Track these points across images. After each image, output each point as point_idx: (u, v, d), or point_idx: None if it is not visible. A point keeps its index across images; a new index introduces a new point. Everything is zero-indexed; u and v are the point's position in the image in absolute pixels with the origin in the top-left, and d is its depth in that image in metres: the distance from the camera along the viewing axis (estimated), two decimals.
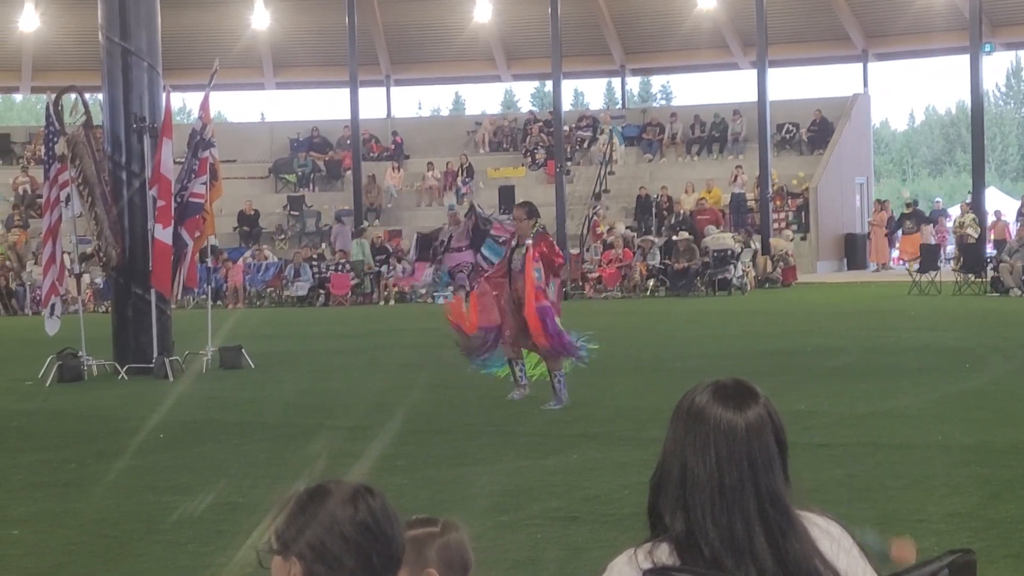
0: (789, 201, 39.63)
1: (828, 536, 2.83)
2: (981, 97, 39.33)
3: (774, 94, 40.18)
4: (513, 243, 13.85)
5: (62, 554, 7.88)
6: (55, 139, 18.25)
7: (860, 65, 44.54)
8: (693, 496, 2.74)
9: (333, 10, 42.16)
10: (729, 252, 34.39)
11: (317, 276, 35.95)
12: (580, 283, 34.94)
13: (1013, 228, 35.77)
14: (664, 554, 2.75)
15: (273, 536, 2.76)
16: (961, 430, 11.33)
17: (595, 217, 38.28)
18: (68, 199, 18.05)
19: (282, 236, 41.08)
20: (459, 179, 42.81)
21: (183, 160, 18.89)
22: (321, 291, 35.63)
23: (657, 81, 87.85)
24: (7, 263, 35.33)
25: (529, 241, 13.36)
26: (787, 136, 42.17)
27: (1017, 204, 39.24)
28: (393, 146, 45.14)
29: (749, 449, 2.75)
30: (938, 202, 49.54)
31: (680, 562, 2.73)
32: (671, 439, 2.82)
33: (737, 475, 2.73)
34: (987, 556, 7.10)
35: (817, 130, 41.88)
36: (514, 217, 14.08)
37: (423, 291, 26.34)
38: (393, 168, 43.73)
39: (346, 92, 41.85)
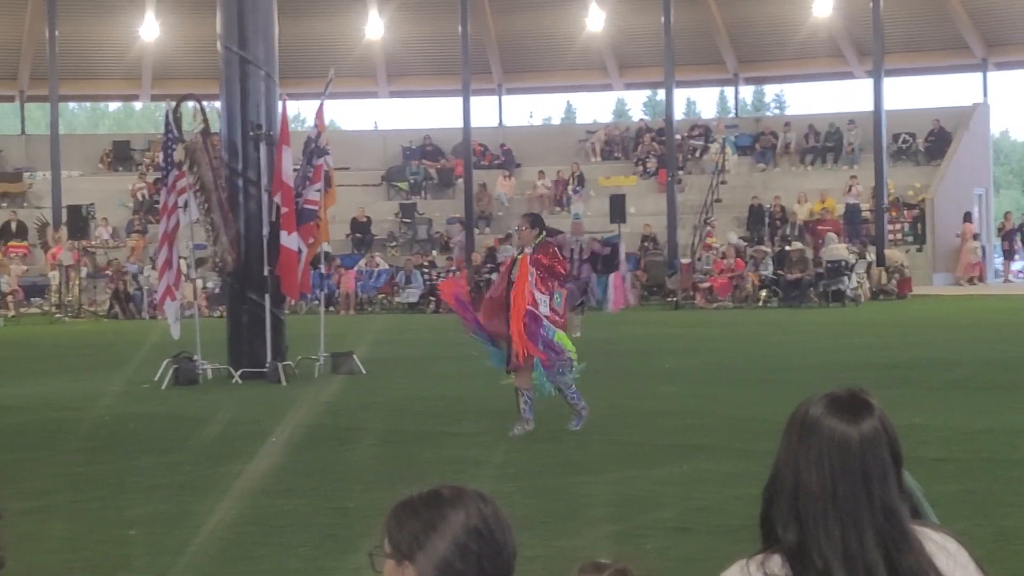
0: (905, 212, 39.12)
1: (944, 551, 2.79)
2: None
3: (890, 103, 39.67)
4: (516, 253, 13.43)
5: (178, 555, 7.99)
6: (173, 146, 18.54)
7: (979, 74, 43.84)
8: (806, 508, 2.72)
9: (446, 19, 42.38)
10: (843, 263, 34.01)
11: (428, 283, 36.13)
12: (691, 293, 34.76)
13: None
14: (776, 565, 2.73)
15: (386, 540, 2.78)
16: None
17: (707, 227, 38.10)
18: (185, 205, 18.33)
19: (394, 243, 41.36)
20: (569, 188, 42.81)
21: (298, 168, 19.11)
22: (432, 298, 35.80)
23: (770, 90, 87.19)
24: (123, 267, 35.96)
25: (528, 249, 12.89)
26: (903, 146, 41.63)
27: None
28: (503, 155, 45.26)
29: (863, 461, 2.72)
30: None
31: (792, 573, 2.71)
32: (784, 450, 2.80)
33: (851, 487, 2.71)
34: None
35: (934, 140, 41.30)
36: (518, 227, 13.72)
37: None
38: (504, 176, 43.83)
39: (458, 101, 42.04)
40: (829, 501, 2.71)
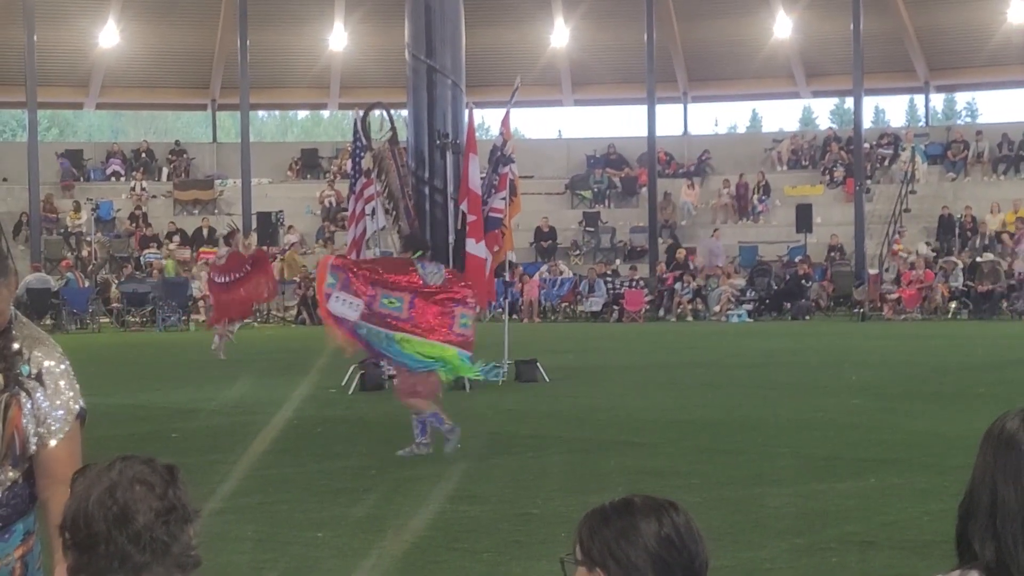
0: None
1: None
2: None
3: None
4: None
5: (364, 558, 8.12)
6: (362, 154, 18.84)
7: None
8: (1004, 524, 2.68)
9: (632, 27, 42.38)
10: None
11: (611, 292, 36.15)
12: (879, 304, 34.20)
13: None
14: None
15: (577, 547, 2.81)
16: None
17: (896, 236, 37.46)
18: (373, 212, 18.59)
19: (577, 252, 41.47)
20: (755, 197, 42.45)
21: (484, 176, 19.28)
22: (615, 307, 35.82)
23: (962, 98, 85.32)
24: (311, 274, 36.66)
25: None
26: None
27: None
28: (697, 161, 45.08)
29: None
30: None
31: None
32: (981, 465, 2.77)
33: None
34: None
35: None
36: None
37: None
38: (688, 185, 43.64)
39: (643, 109, 41.99)
40: None
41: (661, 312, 36.07)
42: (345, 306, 12.36)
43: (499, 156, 18.95)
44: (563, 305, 36.75)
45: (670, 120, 48.86)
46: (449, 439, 12.16)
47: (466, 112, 19.44)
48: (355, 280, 12.46)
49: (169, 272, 38.54)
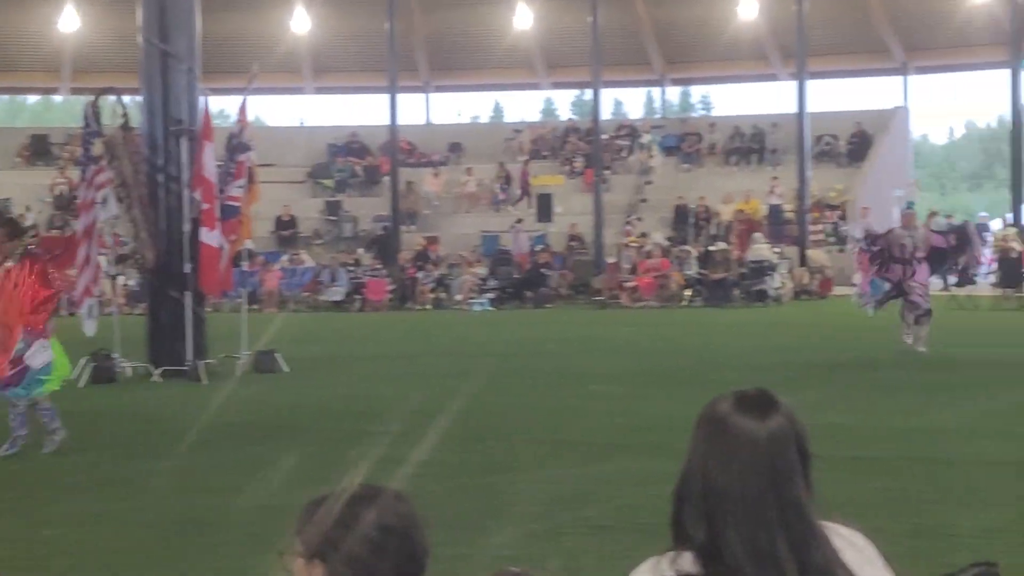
0: (827, 213, 39.46)
1: (852, 547, 2.80)
2: (1020, 111, 39.07)
3: (813, 106, 40.05)
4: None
5: (96, 554, 7.88)
6: (93, 140, 18.32)
7: (900, 78, 44.34)
8: (715, 506, 2.72)
9: (374, 15, 42.24)
10: (766, 263, 34.26)
11: (353, 281, 36.00)
12: (617, 292, 34.88)
13: None
14: (687, 563, 2.72)
15: (296, 537, 2.74)
16: (999, 445, 11.25)
17: (627, 227, 38.21)
18: (104, 200, 18.08)
19: (319, 241, 41.18)
20: (496, 186, 42.85)
21: (221, 164, 18.93)
22: (357, 296, 35.68)
23: (697, 91, 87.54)
24: None
25: (11, 262, 11.91)
26: (826, 148, 42.01)
27: None
28: (449, 150, 45.32)
29: (771, 459, 2.72)
30: (984, 216, 49.20)
31: (703, 571, 2.70)
32: (693, 449, 2.81)
33: (758, 485, 2.71)
34: (1019, 571, 7.03)
35: (856, 143, 41.71)
36: None
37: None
38: (432, 174, 43.77)
39: (385, 98, 41.91)
40: (737, 499, 2.70)
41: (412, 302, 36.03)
42: None
43: (236, 144, 18.66)
44: (304, 295, 36.42)
45: (413, 109, 48.97)
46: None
47: (202, 99, 19.05)
48: None
49: None
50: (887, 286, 20.12)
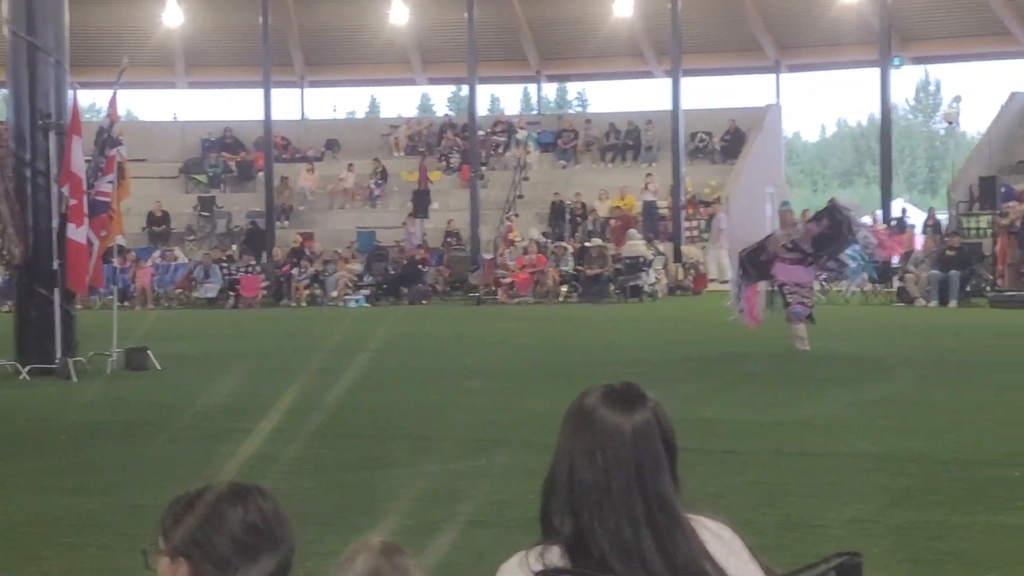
0: (701, 210, 39.88)
1: (718, 539, 2.83)
2: (889, 110, 39.88)
3: (687, 103, 40.53)
4: None
5: None
6: None
7: (773, 76, 44.96)
8: (581, 499, 2.74)
9: (247, 9, 41.87)
10: (641, 259, 34.55)
11: (227, 278, 35.67)
12: (493, 288, 34.95)
13: (920, 239, 36.21)
14: (555, 556, 2.74)
15: (160, 537, 2.72)
16: (865, 438, 11.45)
17: (508, 223, 38.32)
18: None
19: (192, 237, 40.73)
20: (372, 182, 42.72)
21: (90, 159, 18.63)
22: (231, 293, 35.36)
23: (573, 88, 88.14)
24: None
25: None
26: (700, 145, 42.46)
27: (924, 216, 39.73)
28: (326, 146, 45.07)
29: (636, 452, 2.75)
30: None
31: (571, 564, 2.72)
32: (561, 443, 2.83)
33: (624, 478, 2.73)
34: (885, 561, 7.18)
35: (730, 140, 42.21)
36: None
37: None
38: (308, 170, 43.51)
39: (260, 92, 41.60)
40: (603, 492, 2.73)
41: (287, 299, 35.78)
42: None
43: (106, 138, 18.38)
44: (177, 291, 36.01)
45: (288, 104, 48.61)
46: None
47: (70, 92, 18.73)
48: None
49: None
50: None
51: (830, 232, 19.06)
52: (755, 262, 19.39)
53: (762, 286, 19.95)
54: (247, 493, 2.75)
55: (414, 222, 38.95)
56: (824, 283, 28.21)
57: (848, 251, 19.41)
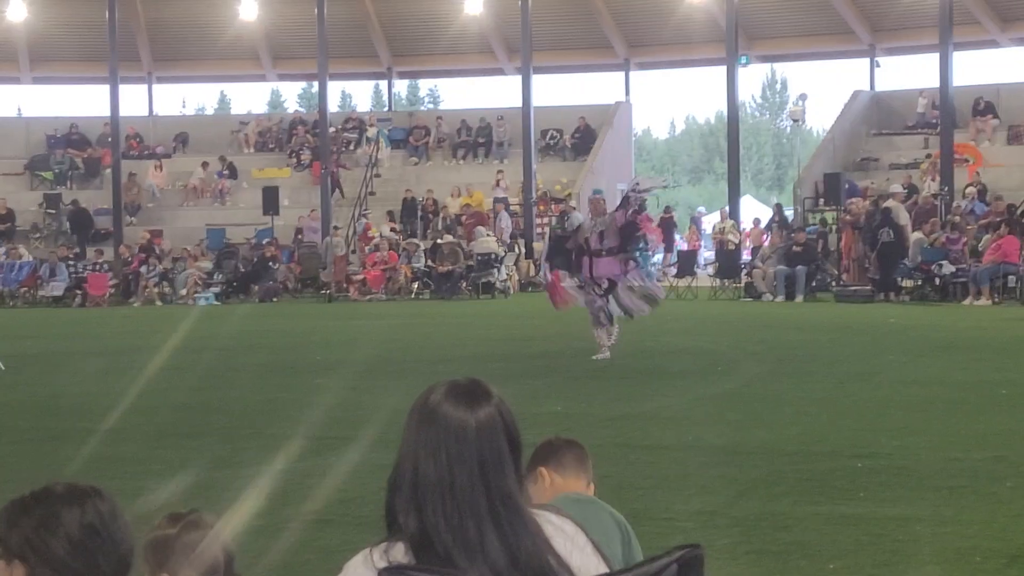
0: (553, 206, 40.08)
1: (562, 533, 2.85)
2: (737, 108, 40.45)
3: (539, 100, 40.75)
4: None
5: None
6: None
7: (622, 74, 45.37)
8: (425, 495, 2.75)
9: (94, 4, 41.14)
10: (493, 256, 34.67)
11: (74, 276, 35.05)
12: (345, 285, 34.81)
13: (767, 235, 36.84)
14: (399, 553, 2.74)
15: None
16: (712, 431, 11.63)
17: (365, 220, 38.14)
18: None
19: (38, 235, 39.94)
20: (217, 176, 42.31)
21: None
22: (78, 291, 34.75)
23: (425, 85, 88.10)
24: None
25: None
26: (551, 142, 42.70)
27: (771, 212, 40.43)
28: (161, 143, 44.46)
29: (479, 448, 2.76)
30: (701, 211, 50.76)
31: (415, 561, 2.73)
32: (405, 439, 2.83)
33: (467, 474, 2.74)
34: (731, 553, 7.31)
35: (580, 137, 42.50)
36: None
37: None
38: (156, 167, 42.91)
39: (106, 88, 40.93)
40: (447, 488, 2.74)
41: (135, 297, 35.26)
42: None
43: None
44: (22, 290, 35.28)
45: (136, 100, 47.90)
46: None
47: None
48: None
49: None
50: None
51: (633, 223, 18.10)
52: (560, 249, 18.63)
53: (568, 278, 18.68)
54: (84, 495, 2.72)
55: (316, 216, 38.64)
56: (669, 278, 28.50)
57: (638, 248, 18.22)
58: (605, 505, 4.51)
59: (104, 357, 19.87)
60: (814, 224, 34.87)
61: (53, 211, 40.84)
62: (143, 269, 35.38)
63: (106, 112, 41.34)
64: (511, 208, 39.31)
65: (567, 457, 4.56)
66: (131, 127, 43.59)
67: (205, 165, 42.48)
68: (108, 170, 41.42)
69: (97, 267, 35.50)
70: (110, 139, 41.34)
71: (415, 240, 36.52)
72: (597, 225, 18.09)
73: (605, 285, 17.89)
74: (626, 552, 4.41)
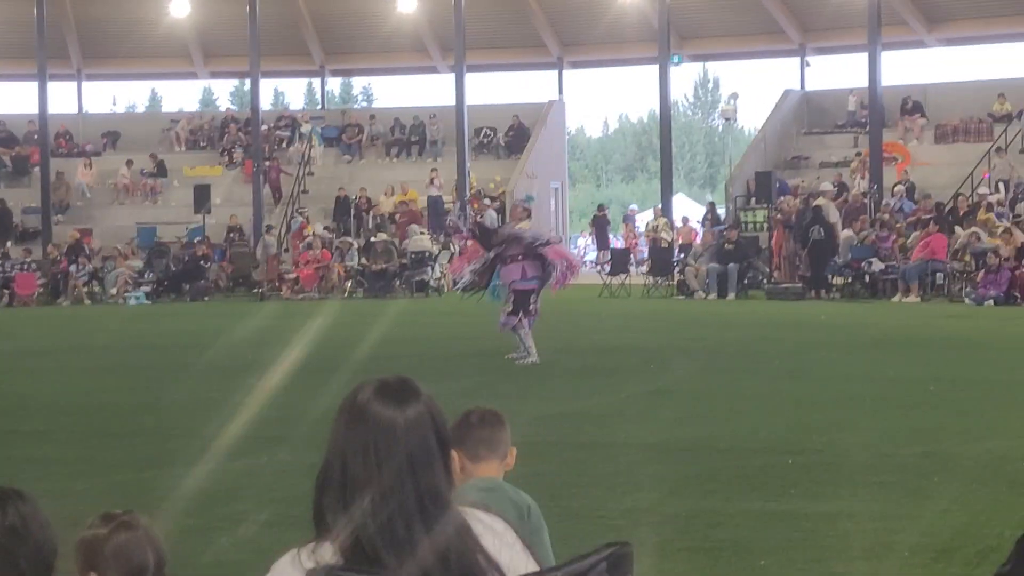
0: (486, 204, 40.06)
1: (492, 532, 2.84)
2: (669, 106, 40.65)
3: (472, 98, 40.71)
4: None
5: None
6: None
7: (555, 72, 45.44)
8: (353, 494, 2.72)
9: (22, 0, 40.68)
10: (427, 254, 34.62)
11: (2, 275, 34.64)
12: (277, 284, 34.64)
13: (699, 233, 37.01)
14: (328, 553, 2.72)
15: None
16: (645, 429, 11.67)
17: (301, 219, 37.92)
18: None
19: None
20: (145, 174, 41.98)
21: None
22: (5, 291, 34.35)
23: (358, 83, 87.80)
24: None
25: None
26: (485, 140, 42.69)
27: (703, 210, 40.63)
28: (90, 141, 44.06)
29: (408, 447, 2.74)
30: (633, 209, 50.92)
31: (343, 561, 2.70)
32: (334, 438, 2.80)
33: (396, 472, 2.72)
34: (664, 550, 7.32)
35: (514, 135, 42.52)
36: None
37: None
38: (85, 165, 42.49)
39: (34, 86, 40.50)
40: (375, 487, 2.71)
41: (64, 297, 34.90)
42: None
43: None
44: None
45: (65, 98, 47.40)
46: None
47: None
48: None
49: None
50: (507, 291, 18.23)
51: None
52: (485, 240, 18.52)
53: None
54: (5, 497, 2.68)
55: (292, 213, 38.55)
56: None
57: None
58: (508, 488, 4.52)
59: (31, 358, 19.66)
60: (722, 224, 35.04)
61: None
62: (72, 268, 35.02)
63: (34, 110, 40.92)
64: (445, 206, 39.23)
65: (480, 441, 4.55)
66: (61, 125, 43.14)
67: (130, 163, 42.10)
68: (36, 168, 40.98)
69: (25, 267, 35.11)
70: (37, 136, 40.92)
71: (348, 239, 36.38)
72: (507, 231, 18.28)
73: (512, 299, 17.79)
74: (523, 532, 4.38)
